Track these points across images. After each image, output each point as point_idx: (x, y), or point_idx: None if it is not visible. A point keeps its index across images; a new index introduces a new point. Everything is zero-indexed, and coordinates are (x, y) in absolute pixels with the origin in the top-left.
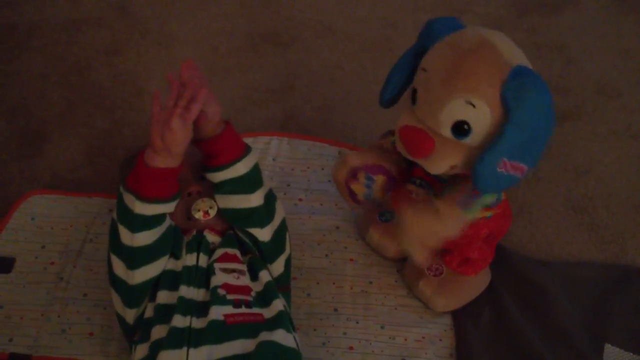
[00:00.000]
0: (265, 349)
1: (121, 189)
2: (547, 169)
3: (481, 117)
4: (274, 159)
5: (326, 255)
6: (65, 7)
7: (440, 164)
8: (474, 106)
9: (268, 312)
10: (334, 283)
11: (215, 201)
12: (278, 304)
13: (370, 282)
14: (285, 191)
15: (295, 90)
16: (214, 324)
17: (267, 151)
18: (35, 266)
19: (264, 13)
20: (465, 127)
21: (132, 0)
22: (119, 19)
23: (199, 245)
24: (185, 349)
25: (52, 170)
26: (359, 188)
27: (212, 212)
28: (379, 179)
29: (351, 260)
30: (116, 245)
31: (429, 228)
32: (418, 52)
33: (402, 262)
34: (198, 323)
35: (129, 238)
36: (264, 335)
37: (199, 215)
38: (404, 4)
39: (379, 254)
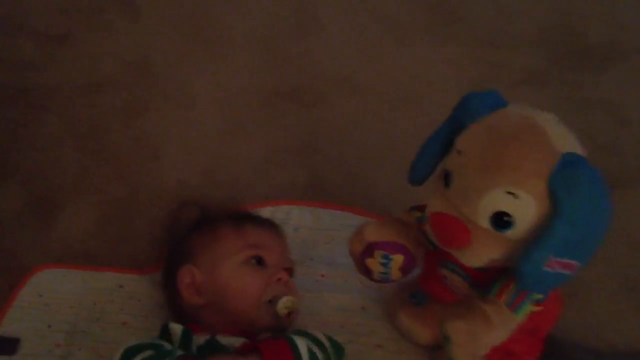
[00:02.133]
0: None
1: None
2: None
3: (525, 209)
4: (295, 230)
5: (350, 340)
6: (85, 69)
7: (477, 258)
8: (516, 197)
9: None
10: None
11: None
12: None
13: None
14: (307, 265)
15: (318, 151)
16: None
17: (288, 221)
18: (40, 348)
19: (287, 68)
20: (506, 219)
21: (153, 61)
22: (138, 81)
23: (211, 351)
24: None
25: (63, 242)
26: (374, 265)
27: (293, 317)
28: (397, 258)
29: (379, 346)
30: None
31: (481, 340)
32: (452, 128)
33: (435, 349)
34: None
35: None
36: None
37: (283, 312)
38: (435, 58)
39: (410, 340)
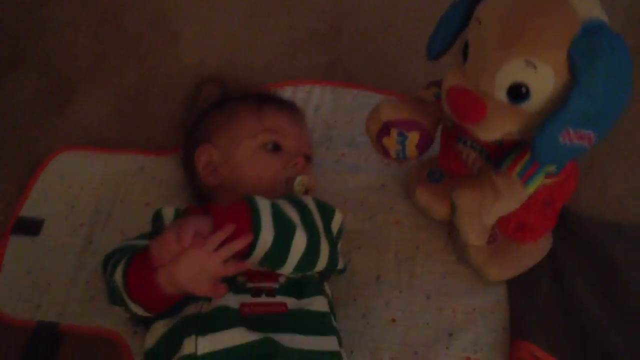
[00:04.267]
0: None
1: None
2: (621, 118)
3: (543, 80)
4: (315, 110)
5: (369, 217)
6: None
7: (493, 131)
8: (535, 67)
9: (295, 304)
10: (376, 248)
11: None
12: (319, 303)
13: (417, 247)
14: (327, 146)
15: (344, 35)
16: (223, 309)
17: (309, 101)
18: (64, 228)
19: None
20: (524, 90)
21: None
22: None
23: None
24: (193, 336)
25: (81, 127)
26: (391, 144)
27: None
28: (413, 136)
29: (397, 222)
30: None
31: (486, 208)
32: None
33: (452, 224)
34: (208, 307)
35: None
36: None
37: (300, 189)
38: None
39: (428, 215)
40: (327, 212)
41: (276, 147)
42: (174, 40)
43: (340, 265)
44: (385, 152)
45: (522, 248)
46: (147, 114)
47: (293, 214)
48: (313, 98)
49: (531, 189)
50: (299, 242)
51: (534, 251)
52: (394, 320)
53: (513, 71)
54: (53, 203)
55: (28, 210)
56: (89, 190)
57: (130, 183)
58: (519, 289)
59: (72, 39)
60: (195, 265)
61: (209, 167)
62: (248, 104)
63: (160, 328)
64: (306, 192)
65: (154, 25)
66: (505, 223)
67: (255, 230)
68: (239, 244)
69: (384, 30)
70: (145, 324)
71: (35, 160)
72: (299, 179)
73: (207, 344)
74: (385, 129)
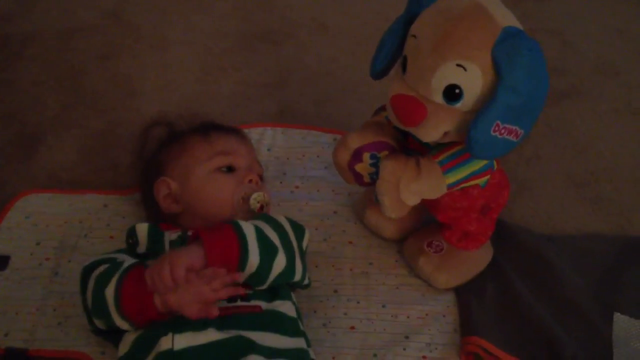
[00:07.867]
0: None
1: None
2: (547, 147)
3: (473, 80)
4: (268, 149)
5: (324, 239)
6: (59, 17)
7: (433, 131)
8: (465, 69)
9: (268, 306)
10: (333, 266)
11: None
12: (288, 308)
13: (371, 263)
14: (281, 180)
15: (290, 85)
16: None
17: (262, 142)
18: (30, 262)
19: (257, 14)
20: (457, 91)
21: (125, 8)
22: (112, 26)
23: (182, 244)
24: (170, 334)
25: (47, 171)
26: (364, 169)
27: (265, 210)
28: (384, 155)
29: (350, 242)
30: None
31: (406, 180)
32: (408, 20)
33: (402, 242)
34: None
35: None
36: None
37: (255, 206)
38: None
39: (378, 235)
40: (299, 231)
41: (230, 169)
42: (133, 95)
43: (306, 281)
44: (358, 178)
45: (467, 256)
46: (109, 160)
47: (273, 236)
48: (266, 138)
49: (450, 179)
50: (280, 263)
51: (478, 259)
52: (352, 327)
53: (446, 74)
54: (19, 240)
55: None
56: (54, 227)
57: (94, 219)
58: (467, 294)
59: (38, 95)
60: (189, 295)
61: (169, 198)
62: (195, 135)
63: (133, 334)
64: (262, 207)
65: (114, 82)
66: (449, 234)
67: (244, 258)
68: (228, 278)
69: (327, 81)
70: (113, 339)
71: (2, 202)
72: (254, 195)
73: (183, 340)
74: (356, 156)
